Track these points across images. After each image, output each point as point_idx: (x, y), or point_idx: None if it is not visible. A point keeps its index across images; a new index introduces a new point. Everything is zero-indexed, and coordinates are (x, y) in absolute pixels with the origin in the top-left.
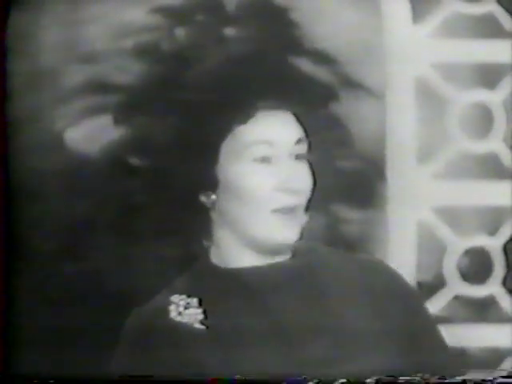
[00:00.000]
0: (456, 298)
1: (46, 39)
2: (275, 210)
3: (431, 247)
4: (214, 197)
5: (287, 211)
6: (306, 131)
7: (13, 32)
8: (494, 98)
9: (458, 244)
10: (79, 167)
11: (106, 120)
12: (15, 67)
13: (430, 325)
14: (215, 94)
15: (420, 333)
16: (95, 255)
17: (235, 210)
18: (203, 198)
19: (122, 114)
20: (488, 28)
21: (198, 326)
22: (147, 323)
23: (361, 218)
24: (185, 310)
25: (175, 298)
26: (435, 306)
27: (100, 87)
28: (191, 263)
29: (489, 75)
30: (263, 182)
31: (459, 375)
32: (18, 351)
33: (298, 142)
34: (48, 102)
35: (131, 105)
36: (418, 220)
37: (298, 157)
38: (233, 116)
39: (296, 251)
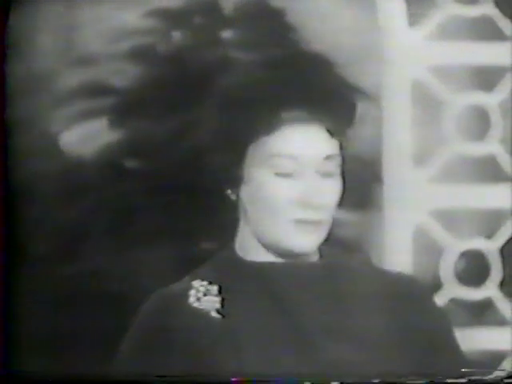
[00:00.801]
0: (452, 300)
1: (42, 42)
2: (293, 221)
3: (428, 250)
4: (236, 193)
5: (306, 224)
6: (341, 146)
7: (9, 35)
8: (490, 100)
9: (454, 247)
10: (75, 170)
11: (101, 123)
12: (11, 70)
13: (446, 332)
14: (243, 102)
15: (436, 339)
16: (92, 257)
17: (255, 213)
18: (229, 192)
19: (118, 117)
20: (485, 30)
21: (214, 314)
22: (165, 307)
23: (357, 220)
24: (204, 297)
25: (196, 282)
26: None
27: (96, 90)
28: (190, 266)
29: (485, 77)
30: (283, 195)
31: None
32: (18, 351)
33: (327, 158)
34: (44, 105)
35: (127, 108)
36: (415, 223)
37: (326, 172)
38: (257, 128)
39: (322, 254)
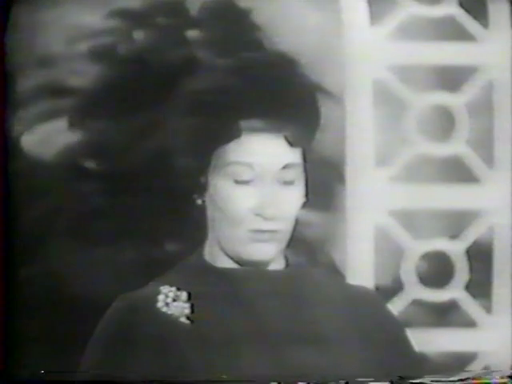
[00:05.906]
0: (414, 302)
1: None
2: (250, 231)
3: (389, 251)
4: (202, 199)
5: (262, 234)
6: (304, 156)
7: None
8: (454, 100)
9: (415, 248)
10: (36, 171)
11: (62, 124)
12: None
13: (400, 335)
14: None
15: (390, 342)
16: (52, 259)
17: (217, 220)
18: (195, 196)
19: (79, 118)
20: (449, 30)
21: (183, 319)
22: (133, 309)
23: (320, 221)
24: (173, 302)
25: (165, 288)
26: (393, 309)
27: (57, 91)
28: (153, 268)
29: (450, 77)
30: (241, 203)
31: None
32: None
33: (286, 167)
34: (5, 106)
35: (88, 109)
36: (376, 223)
37: (285, 181)
38: (216, 137)
39: (288, 262)
